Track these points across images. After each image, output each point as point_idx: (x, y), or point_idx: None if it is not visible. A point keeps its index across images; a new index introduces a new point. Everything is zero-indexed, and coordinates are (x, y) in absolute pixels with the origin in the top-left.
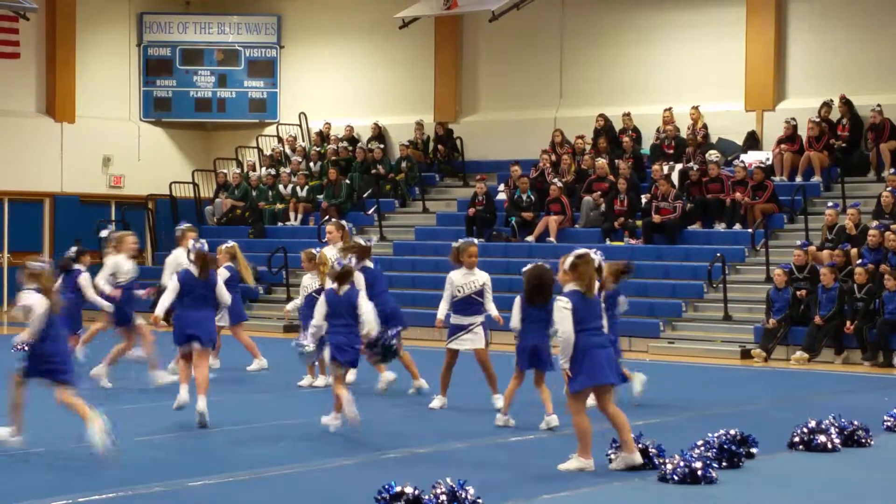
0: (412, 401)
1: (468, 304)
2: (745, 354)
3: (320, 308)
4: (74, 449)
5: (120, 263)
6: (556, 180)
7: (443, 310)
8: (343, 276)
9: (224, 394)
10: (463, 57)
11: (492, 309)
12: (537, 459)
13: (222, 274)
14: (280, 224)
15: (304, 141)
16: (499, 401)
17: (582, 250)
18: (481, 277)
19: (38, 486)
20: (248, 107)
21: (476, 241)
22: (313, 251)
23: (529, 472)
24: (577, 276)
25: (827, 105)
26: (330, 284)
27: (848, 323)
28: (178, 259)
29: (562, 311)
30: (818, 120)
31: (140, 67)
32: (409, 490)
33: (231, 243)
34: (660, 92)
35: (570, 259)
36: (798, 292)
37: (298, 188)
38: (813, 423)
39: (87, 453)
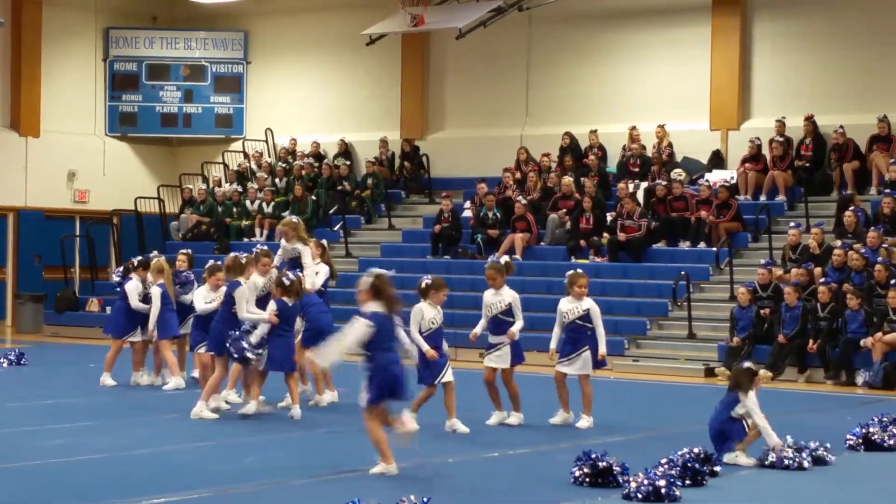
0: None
1: (496, 323)
2: (709, 372)
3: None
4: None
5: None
6: (520, 198)
7: (479, 326)
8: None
9: (189, 409)
10: (430, 74)
11: (516, 326)
12: (503, 479)
13: (154, 292)
14: (246, 240)
15: (270, 157)
16: (513, 418)
17: (378, 270)
18: (508, 296)
19: None
20: (215, 122)
21: (504, 259)
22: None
23: (493, 490)
24: (377, 296)
25: (780, 122)
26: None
27: (811, 342)
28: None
29: (363, 328)
30: (781, 139)
31: (106, 82)
32: None
33: (159, 258)
34: (625, 110)
35: (368, 279)
36: (762, 311)
37: (264, 204)
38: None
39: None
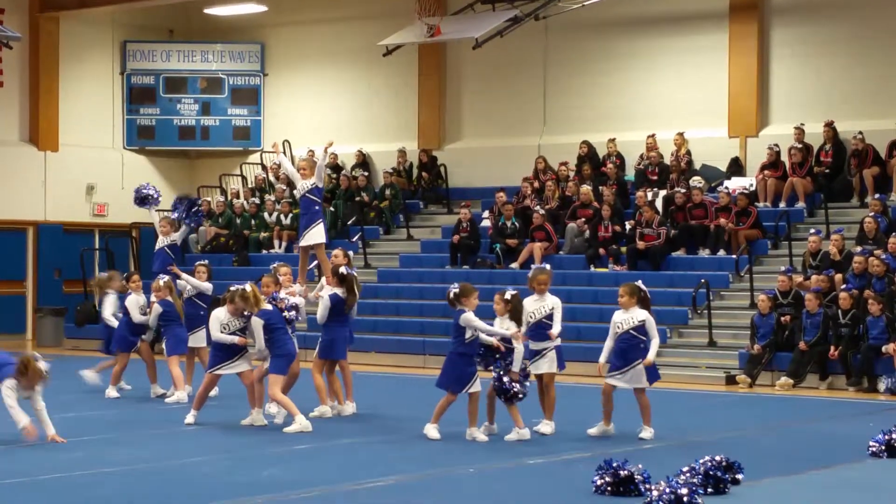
0: (397, 427)
1: (540, 328)
2: (730, 380)
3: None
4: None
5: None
6: (538, 207)
7: (522, 330)
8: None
9: (207, 421)
10: (447, 84)
11: (555, 329)
12: (524, 488)
13: (155, 309)
14: (265, 252)
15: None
16: (546, 426)
17: None
18: (550, 302)
19: None
20: (232, 134)
21: (548, 267)
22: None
23: (514, 500)
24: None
25: (799, 128)
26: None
27: (832, 348)
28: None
29: None
30: (800, 146)
31: (123, 95)
32: None
33: (166, 278)
34: (643, 118)
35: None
36: (782, 318)
37: (282, 216)
38: None
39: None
